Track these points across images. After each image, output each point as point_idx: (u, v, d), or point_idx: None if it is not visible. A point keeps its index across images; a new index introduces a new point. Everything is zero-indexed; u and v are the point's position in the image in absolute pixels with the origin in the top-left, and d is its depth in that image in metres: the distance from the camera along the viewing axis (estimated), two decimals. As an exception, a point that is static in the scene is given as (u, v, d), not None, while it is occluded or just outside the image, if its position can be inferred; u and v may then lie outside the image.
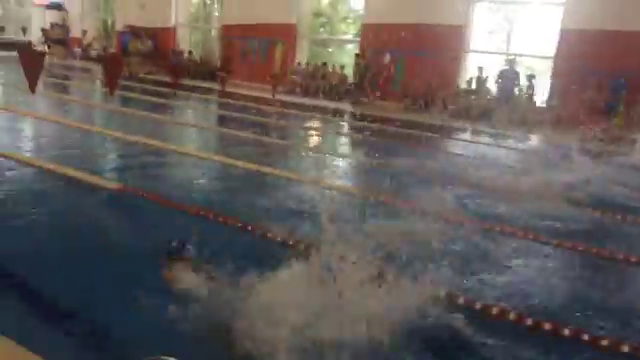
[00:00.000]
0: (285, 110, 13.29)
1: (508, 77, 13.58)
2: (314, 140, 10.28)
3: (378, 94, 16.25)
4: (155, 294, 2.80)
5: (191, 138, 9.02)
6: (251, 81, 17.31)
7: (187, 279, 2.97)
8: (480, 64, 14.83)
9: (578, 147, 8.31)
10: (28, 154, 6.14)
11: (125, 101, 11.15)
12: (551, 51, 14.24)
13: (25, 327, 2.66)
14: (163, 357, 1.80)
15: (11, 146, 6.43)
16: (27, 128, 8.29)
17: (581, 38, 13.20)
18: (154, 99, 12.50)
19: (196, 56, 19.92)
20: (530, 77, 14.25)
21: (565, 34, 13.80)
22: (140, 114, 9.93)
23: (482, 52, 15.76)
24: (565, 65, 13.68)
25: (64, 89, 13.93)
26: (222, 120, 11.40)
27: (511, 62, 13.70)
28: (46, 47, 20.76)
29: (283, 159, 7.66)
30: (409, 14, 15.33)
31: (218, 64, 19.01)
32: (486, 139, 11.70)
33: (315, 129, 11.51)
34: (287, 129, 11.14)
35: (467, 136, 12.13)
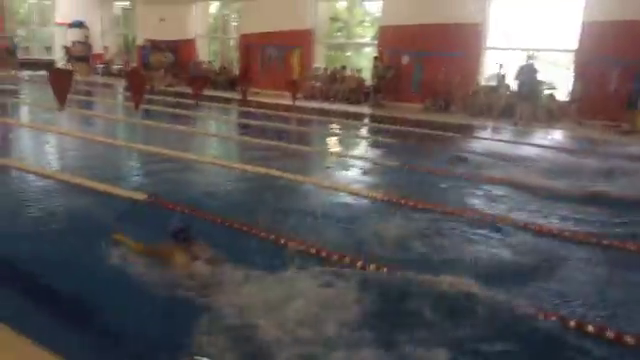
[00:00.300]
0: (309, 117, 13.34)
1: (527, 73, 13.41)
2: (341, 145, 10.20)
3: (397, 96, 16.28)
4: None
5: (217, 147, 9.09)
6: (270, 88, 17.42)
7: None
8: (500, 61, 14.68)
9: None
10: (57, 169, 6.30)
11: (149, 114, 11.28)
12: (573, 44, 14.07)
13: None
14: (197, 357, 1.87)
15: (41, 161, 6.61)
16: (55, 144, 8.44)
17: (603, 30, 13.05)
18: (177, 111, 12.68)
19: (216, 66, 20.14)
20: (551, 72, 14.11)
21: (587, 26, 13.62)
22: (164, 126, 10.10)
23: (501, 49, 15.64)
24: (588, 58, 13.52)
25: (88, 105, 14.19)
26: (244, 129, 11.46)
27: (530, 57, 13.54)
28: (69, 65, 21.23)
29: (315, 167, 7.61)
30: (426, 15, 15.30)
31: (237, 73, 19.25)
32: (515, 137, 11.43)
33: (339, 134, 11.45)
34: (311, 135, 11.22)
35: (500, 135, 11.80)
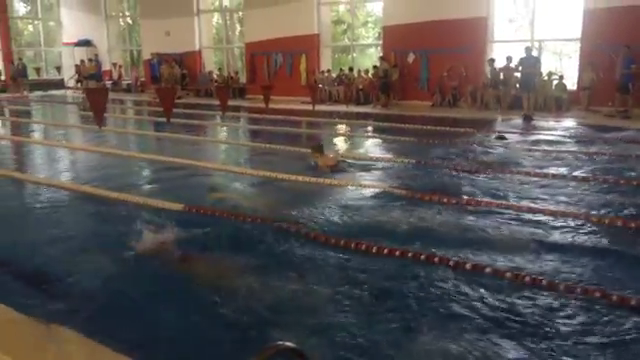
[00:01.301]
0: (326, 119, 13.50)
1: (528, 64, 13.70)
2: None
3: (404, 94, 16.56)
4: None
5: (251, 156, 9.08)
6: (280, 95, 17.67)
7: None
8: (506, 54, 14.92)
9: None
10: (90, 185, 6.40)
11: (169, 126, 11.40)
12: (577, 33, 14.33)
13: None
14: (280, 342, 1.91)
15: (75, 178, 6.82)
16: (82, 160, 8.66)
17: (605, 16, 13.30)
18: (204, 122, 13.02)
19: (222, 75, 20.42)
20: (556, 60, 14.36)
21: (588, 13, 13.88)
22: (188, 138, 10.36)
23: (507, 41, 15.89)
24: (592, 45, 13.76)
25: (112, 121, 14.40)
26: (267, 136, 11.22)
27: (529, 49, 13.82)
28: (78, 83, 21.56)
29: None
30: (429, 12, 15.53)
31: (244, 82, 19.58)
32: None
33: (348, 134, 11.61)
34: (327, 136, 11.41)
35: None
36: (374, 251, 4.14)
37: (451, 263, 3.86)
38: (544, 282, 3.55)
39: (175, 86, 17.36)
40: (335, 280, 3.68)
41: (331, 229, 4.70)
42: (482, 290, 3.50)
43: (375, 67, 16.82)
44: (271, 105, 14.13)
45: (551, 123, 11.99)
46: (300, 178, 6.49)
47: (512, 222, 4.91)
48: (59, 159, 8.86)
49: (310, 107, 14.73)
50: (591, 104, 13.70)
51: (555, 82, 14.51)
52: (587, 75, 13.74)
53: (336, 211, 5.20)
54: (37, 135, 12.26)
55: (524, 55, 13.75)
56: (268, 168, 7.07)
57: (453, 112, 14.38)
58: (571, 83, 14.61)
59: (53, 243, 4.50)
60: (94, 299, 3.50)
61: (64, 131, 12.50)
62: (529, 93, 13.85)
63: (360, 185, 6.21)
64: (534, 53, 14.26)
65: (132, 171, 7.51)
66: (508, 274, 3.69)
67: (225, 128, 12.72)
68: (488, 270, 3.76)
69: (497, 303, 3.33)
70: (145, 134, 11.92)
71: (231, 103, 16.71)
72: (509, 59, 14.13)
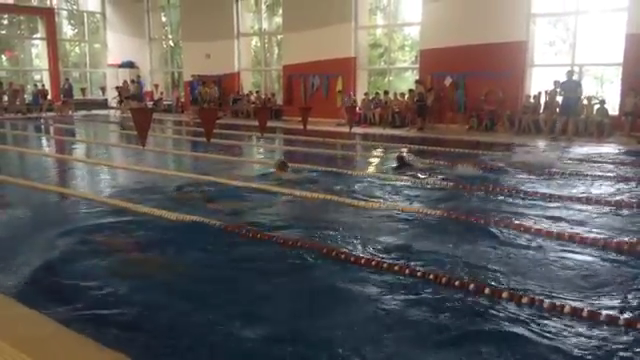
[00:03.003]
0: (373, 143, 13.53)
1: (569, 88, 13.51)
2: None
3: (440, 118, 16.52)
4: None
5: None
6: (315, 117, 17.82)
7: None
8: (546, 78, 14.77)
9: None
10: (144, 203, 6.49)
11: (215, 147, 11.53)
12: (619, 58, 14.09)
13: None
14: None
15: (124, 195, 6.99)
16: (129, 179, 8.81)
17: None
18: (234, 142, 13.20)
19: (259, 97, 20.74)
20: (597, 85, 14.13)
21: (631, 38, 13.65)
22: (229, 159, 10.59)
23: (546, 65, 15.73)
24: (634, 70, 13.49)
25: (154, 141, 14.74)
26: (309, 157, 10.94)
27: (570, 73, 13.63)
28: (120, 103, 22.23)
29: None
30: (467, 36, 15.52)
31: (281, 103, 19.87)
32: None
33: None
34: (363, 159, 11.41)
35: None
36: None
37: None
38: None
39: (216, 107, 17.74)
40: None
41: (366, 251, 4.73)
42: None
43: (411, 90, 16.87)
44: (308, 126, 14.22)
45: (585, 149, 11.73)
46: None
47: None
48: (98, 176, 9.16)
49: (346, 129, 14.87)
50: (633, 129, 13.38)
51: (596, 107, 14.24)
52: (629, 100, 13.47)
53: (361, 233, 5.26)
54: (79, 152, 12.75)
55: (565, 79, 13.58)
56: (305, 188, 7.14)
57: (489, 136, 14.27)
58: (612, 108, 14.31)
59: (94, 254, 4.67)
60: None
61: (105, 150, 12.90)
62: (569, 117, 13.64)
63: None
64: (575, 77, 14.07)
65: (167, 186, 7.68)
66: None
67: (262, 149, 12.91)
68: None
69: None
70: (185, 154, 12.18)
71: (269, 124, 17.00)
72: (556, 83, 13.97)
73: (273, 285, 4.03)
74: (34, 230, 5.51)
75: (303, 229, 5.47)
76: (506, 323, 3.38)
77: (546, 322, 3.38)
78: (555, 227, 5.45)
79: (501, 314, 3.49)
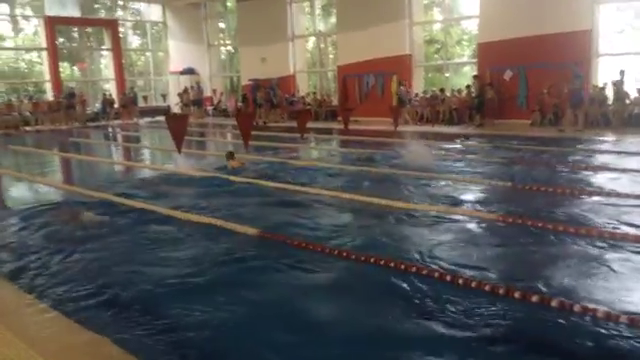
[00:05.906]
0: (401, 140, 13.10)
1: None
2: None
3: (500, 113, 15.78)
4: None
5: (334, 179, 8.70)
6: (370, 116, 17.55)
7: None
8: (615, 67, 13.74)
9: None
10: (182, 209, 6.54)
11: (258, 149, 11.61)
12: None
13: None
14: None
15: (161, 201, 7.01)
16: (175, 185, 8.98)
17: None
18: (283, 144, 13.10)
19: (315, 99, 20.68)
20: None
21: None
22: (275, 160, 10.42)
23: (615, 54, 14.65)
24: None
25: (202, 146, 15.00)
26: (349, 158, 10.83)
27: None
28: (184, 110, 22.82)
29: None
30: (527, 27, 14.77)
31: (337, 104, 19.69)
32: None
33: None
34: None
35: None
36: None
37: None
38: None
39: (253, 112, 17.88)
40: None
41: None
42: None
43: (468, 86, 16.23)
44: (354, 126, 14.03)
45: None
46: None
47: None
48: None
49: (399, 128, 14.51)
50: None
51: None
52: None
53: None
54: (144, 158, 13.21)
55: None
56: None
57: (552, 131, 13.44)
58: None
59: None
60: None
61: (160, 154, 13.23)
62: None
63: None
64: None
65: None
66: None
67: (295, 152, 12.29)
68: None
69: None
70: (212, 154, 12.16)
71: (320, 125, 16.90)
72: (622, 73, 12.99)
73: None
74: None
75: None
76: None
77: None
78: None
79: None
